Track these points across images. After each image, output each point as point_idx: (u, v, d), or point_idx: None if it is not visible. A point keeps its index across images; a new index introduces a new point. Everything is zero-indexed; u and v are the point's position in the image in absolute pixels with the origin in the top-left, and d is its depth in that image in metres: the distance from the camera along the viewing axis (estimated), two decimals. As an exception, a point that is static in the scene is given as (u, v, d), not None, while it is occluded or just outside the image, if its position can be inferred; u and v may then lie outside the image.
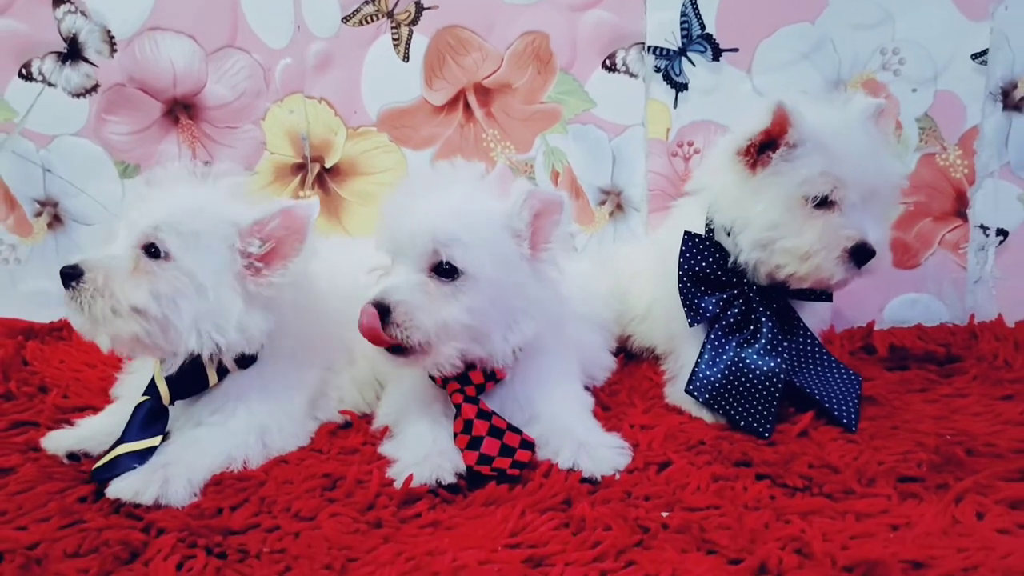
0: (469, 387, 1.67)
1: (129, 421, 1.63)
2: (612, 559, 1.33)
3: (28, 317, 2.52)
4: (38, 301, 2.55)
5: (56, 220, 2.54)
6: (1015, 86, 2.39)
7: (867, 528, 1.40)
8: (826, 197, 1.78)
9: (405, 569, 1.30)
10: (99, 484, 1.56)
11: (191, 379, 1.70)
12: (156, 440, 1.62)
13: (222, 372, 1.72)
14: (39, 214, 2.53)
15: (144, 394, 1.69)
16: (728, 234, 1.89)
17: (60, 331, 2.47)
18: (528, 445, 1.62)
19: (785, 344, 1.87)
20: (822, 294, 1.90)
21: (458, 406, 1.66)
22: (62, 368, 2.23)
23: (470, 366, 1.68)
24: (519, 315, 1.65)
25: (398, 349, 1.60)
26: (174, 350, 1.65)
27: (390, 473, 1.61)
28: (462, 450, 1.60)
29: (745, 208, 1.84)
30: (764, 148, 1.81)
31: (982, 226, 2.48)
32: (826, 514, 1.46)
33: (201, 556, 1.36)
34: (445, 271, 1.59)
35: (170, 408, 1.70)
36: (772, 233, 1.81)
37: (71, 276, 1.61)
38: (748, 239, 1.84)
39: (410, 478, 1.55)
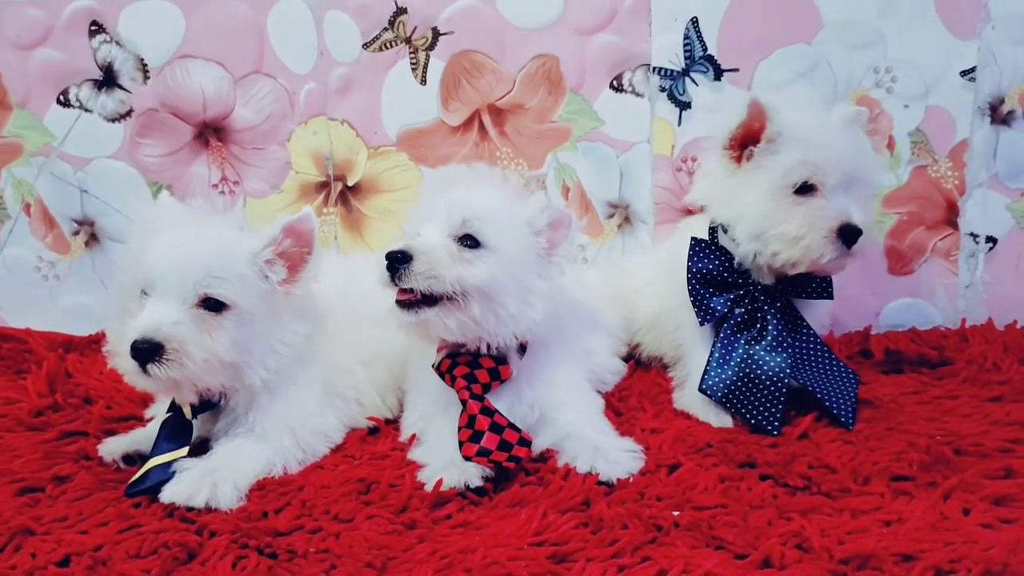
0: (476, 385, 1.79)
1: (157, 437, 1.73)
2: (629, 555, 1.44)
3: (67, 331, 2.64)
4: (76, 315, 2.68)
5: (93, 239, 2.65)
6: (1002, 101, 2.50)
7: (862, 524, 1.51)
8: (807, 183, 1.91)
9: (440, 566, 1.41)
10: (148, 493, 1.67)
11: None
12: (183, 451, 1.71)
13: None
14: (76, 233, 2.65)
15: (168, 411, 1.79)
16: (726, 231, 2.02)
17: (98, 343, 2.58)
18: (525, 443, 1.72)
19: (789, 341, 1.99)
20: (823, 288, 2.01)
21: (464, 402, 1.77)
22: (102, 380, 2.32)
23: (476, 364, 1.80)
24: (532, 295, 1.79)
25: (412, 304, 1.74)
26: (234, 385, 1.78)
27: (420, 477, 1.72)
28: (463, 442, 1.70)
29: (737, 202, 1.98)
30: (747, 144, 1.96)
31: (972, 234, 2.59)
32: (824, 511, 1.57)
33: (253, 556, 1.46)
34: (469, 242, 1.75)
35: (193, 422, 1.80)
36: (763, 222, 1.94)
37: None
38: (743, 231, 1.97)
39: (440, 482, 1.67)
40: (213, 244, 1.73)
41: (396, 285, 1.73)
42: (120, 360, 1.69)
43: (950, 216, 2.59)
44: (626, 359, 2.37)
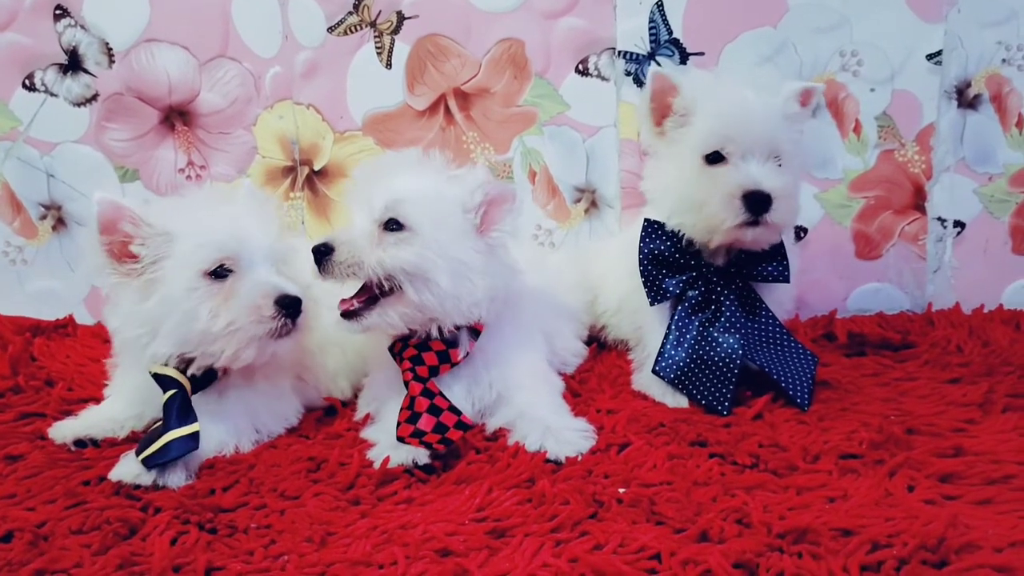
0: (421, 367, 1.79)
1: (166, 414, 1.71)
2: (568, 530, 1.44)
3: (35, 315, 2.64)
4: (44, 300, 2.68)
5: (60, 223, 2.66)
6: (968, 85, 2.51)
7: (805, 500, 1.51)
8: (718, 153, 1.89)
9: (379, 541, 1.42)
10: (146, 467, 1.64)
11: (203, 375, 1.81)
12: (197, 426, 1.69)
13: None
14: (44, 217, 2.65)
15: (170, 388, 1.76)
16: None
17: (65, 328, 2.60)
18: (463, 426, 1.73)
19: (744, 322, 1.99)
20: (778, 272, 1.99)
21: (407, 383, 1.78)
22: (67, 363, 2.35)
23: (425, 347, 1.81)
24: (468, 270, 1.78)
25: (354, 313, 1.77)
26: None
27: (369, 455, 1.73)
28: (400, 423, 1.71)
29: (662, 177, 2.00)
30: (663, 118, 1.97)
31: (940, 218, 2.59)
32: (769, 488, 1.57)
33: (194, 532, 1.47)
34: (394, 225, 1.74)
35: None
36: (679, 194, 1.94)
37: None
38: (667, 205, 1.99)
39: (387, 460, 1.67)
40: None
41: (323, 277, 1.77)
42: None
43: (917, 200, 2.59)
44: (591, 342, 2.36)
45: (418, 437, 1.69)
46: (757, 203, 1.85)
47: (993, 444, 1.70)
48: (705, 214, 1.89)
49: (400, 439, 1.69)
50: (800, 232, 2.60)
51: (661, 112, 1.97)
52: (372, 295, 1.77)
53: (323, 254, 1.75)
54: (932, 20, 2.46)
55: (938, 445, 1.70)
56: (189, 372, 1.77)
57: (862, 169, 2.57)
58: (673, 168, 1.96)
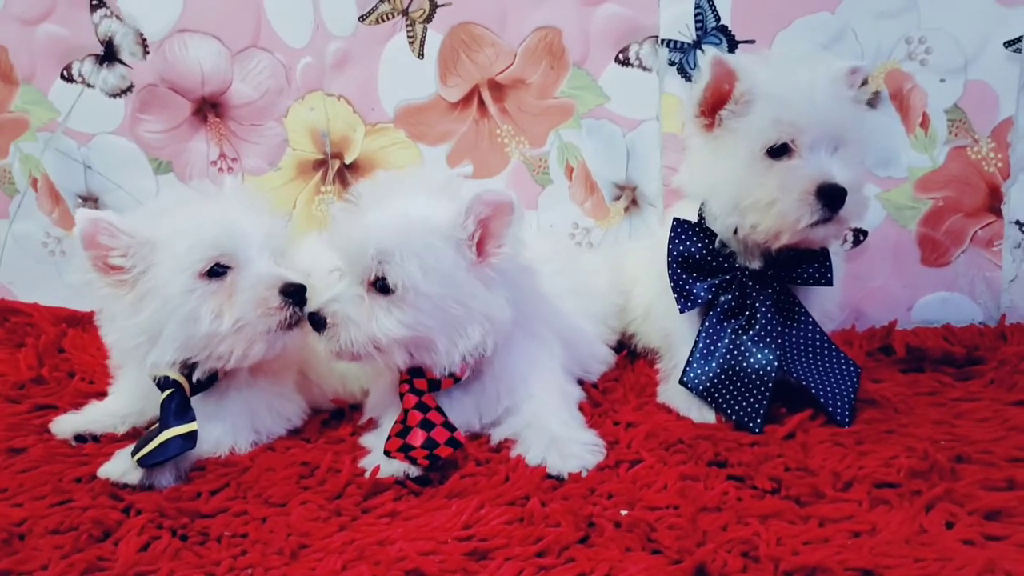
0: (420, 380, 1.70)
1: (163, 413, 1.68)
2: (554, 555, 1.33)
3: (73, 306, 2.64)
4: (82, 291, 2.68)
5: (97, 214, 2.66)
6: (1052, 74, 2.27)
7: (826, 533, 1.37)
8: (783, 145, 1.72)
9: (351, 557, 1.34)
10: (142, 466, 1.61)
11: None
12: (195, 425, 1.66)
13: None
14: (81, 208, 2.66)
15: (167, 388, 1.72)
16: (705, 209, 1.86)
17: (102, 319, 2.61)
18: (454, 443, 1.62)
19: (780, 330, 1.83)
20: (820, 273, 1.82)
21: (402, 395, 1.69)
22: (96, 356, 2.33)
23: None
24: (463, 324, 1.66)
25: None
26: None
27: (362, 463, 1.65)
28: (390, 436, 1.62)
29: (712, 172, 1.81)
30: (718, 109, 1.79)
31: (1018, 222, 2.36)
32: (787, 517, 1.42)
33: (166, 537, 1.42)
34: (381, 286, 1.63)
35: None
36: (738, 191, 1.76)
37: None
38: (720, 203, 1.81)
39: (377, 469, 1.59)
40: None
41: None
42: None
43: (992, 202, 2.36)
44: (618, 349, 2.23)
45: (405, 452, 1.59)
46: (833, 198, 1.70)
47: (1053, 478, 1.51)
48: (775, 213, 1.72)
49: (387, 453, 1.60)
50: (860, 235, 2.40)
51: (715, 101, 1.80)
52: None
53: (319, 326, 1.69)
54: (1011, 3, 2.23)
55: (988, 476, 1.52)
56: (194, 378, 1.73)
57: (930, 167, 2.36)
58: (726, 163, 1.78)
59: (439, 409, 1.67)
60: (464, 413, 1.76)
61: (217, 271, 1.70)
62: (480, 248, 1.65)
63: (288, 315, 1.71)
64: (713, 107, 1.79)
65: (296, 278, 1.74)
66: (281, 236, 1.80)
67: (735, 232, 1.81)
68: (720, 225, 1.82)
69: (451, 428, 1.65)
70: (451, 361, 1.68)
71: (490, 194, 1.63)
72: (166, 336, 1.69)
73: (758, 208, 1.73)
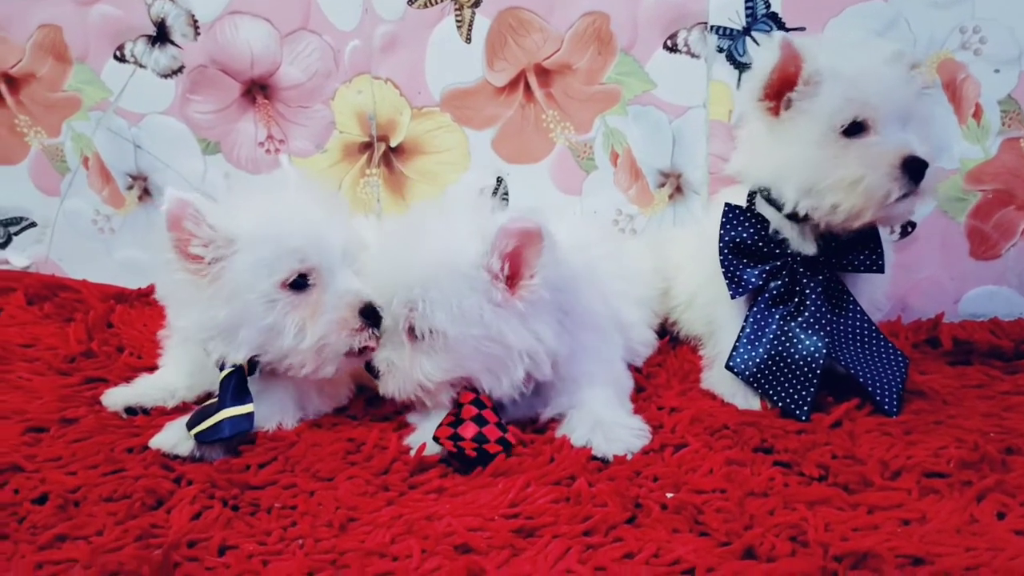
0: None
1: (222, 392, 1.69)
2: (601, 534, 1.34)
3: (121, 283, 2.69)
4: (130, 268, 2.72)
5: (146, 193, 2.69)
6: (1111, 65, 2.23)
7: (875, 521, 1.37)
8: (857, 122, 1.71)
9: (399, 531, 1.35)
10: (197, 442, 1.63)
11: None
12: (251, 407, 1.66)
13: None
14: (130, 187, 2.70)
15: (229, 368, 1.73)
16: (769, 196, 1.84)
17: (147, 296, 2.64)
18: (504, 443, 1.60)
19: (829, 318, 1.82)
20: (872, 260, 1.81)
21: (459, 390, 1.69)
22: (144, 331, 2.37)
23: None
24: (503, 361, 1.64)
25: None
26: None
27: (407, 441, 1.66)
28: (441, 424, 1.61)
29: (779, 158, 1.79)
30: (783, 92, 1.76)
31: (1070, 216, 2.32)
32: (835, 504, 1.42)
33: (217, 507, 1.44)
34: (417, 333, 1.64)
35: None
36: (814, 173, 1.73)
37: None
38: (792, 188, 1.77)
39: (423, 447, 1.60)
40: None
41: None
42: None
43: (1045, 196, 2.32)
44: (661, 334, 2.22)
45: (454, 441, 1.58)
46: (917, 170, 1.69)
47: (1105, 471, 1.48)
48: (861, 190, 1.70)
49: (436, 439, 1.60)
50: (908, 226, 2.37)
51: (782, 84, 1.77)
52: None
53: (375, 373, 1.73)
54: (1069, -7, 2.19)
55: (1042, 469, 1.50)
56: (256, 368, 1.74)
57: (981, 158, 2.32)
58: (796, 146, 1.76)
59: (494, 409, 1.65)
60: (532, 405, 1.76)
61: (299, 283, 1.68)
62: (512, 281, 1.62)
63: (365, 337, 1.70)
64: (779, 90, 1.77)
65: (371, 295, 1.71)
66: (356, 242, 1.78)
67: (802, 217, 1.79)
68: (790, 208, 1.79)
69: (503, 428, 1.63)
70: (501, 392, 1.67)
71: (516, 223, 1.58)
72: (242, 338, 1.68)
73: (840, 187, 1.71)
